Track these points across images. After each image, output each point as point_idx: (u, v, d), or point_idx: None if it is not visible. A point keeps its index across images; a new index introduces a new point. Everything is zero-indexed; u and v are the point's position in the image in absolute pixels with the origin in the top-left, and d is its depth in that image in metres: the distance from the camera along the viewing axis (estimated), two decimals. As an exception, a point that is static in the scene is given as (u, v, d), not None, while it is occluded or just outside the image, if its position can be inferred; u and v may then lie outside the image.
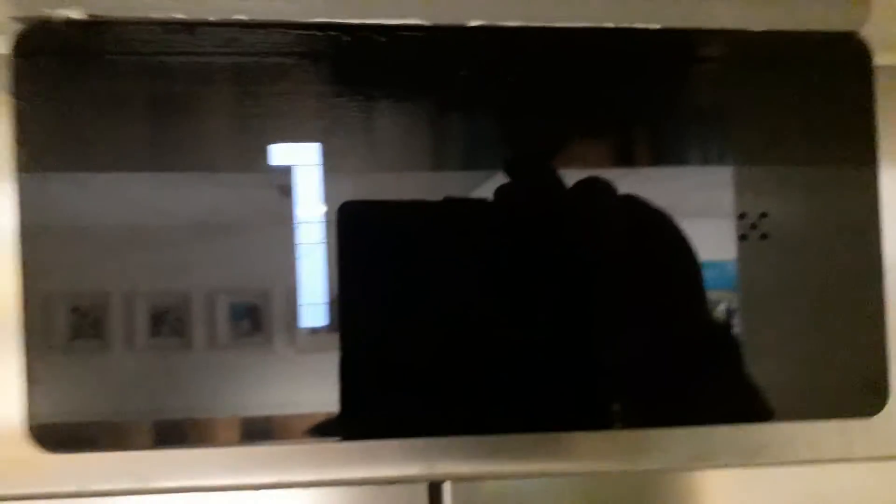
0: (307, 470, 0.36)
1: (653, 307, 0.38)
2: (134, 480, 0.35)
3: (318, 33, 0.36)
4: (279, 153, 0.36)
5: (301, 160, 0.36)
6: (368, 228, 0.37)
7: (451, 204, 0.37)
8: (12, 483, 0.35)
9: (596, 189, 0.38)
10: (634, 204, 0.38)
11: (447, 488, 0.37)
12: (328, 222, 0.36)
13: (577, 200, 0.38)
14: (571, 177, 0.37)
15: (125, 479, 0.35)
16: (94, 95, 0.35)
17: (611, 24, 0.38)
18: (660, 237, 0.38)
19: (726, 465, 0.38)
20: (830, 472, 0.39)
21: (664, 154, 0.39)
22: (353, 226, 0.36)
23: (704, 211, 0.39)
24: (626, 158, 0.39)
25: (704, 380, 0.39)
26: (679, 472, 0.39)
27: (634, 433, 0.38)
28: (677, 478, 0.39)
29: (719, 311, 0.38)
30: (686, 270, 0.38)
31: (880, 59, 0.39)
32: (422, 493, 0.37)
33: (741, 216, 0.38)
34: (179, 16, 0.36)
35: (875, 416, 0.39)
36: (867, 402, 0.39)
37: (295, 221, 0.36)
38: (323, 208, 0.36)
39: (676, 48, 0.39)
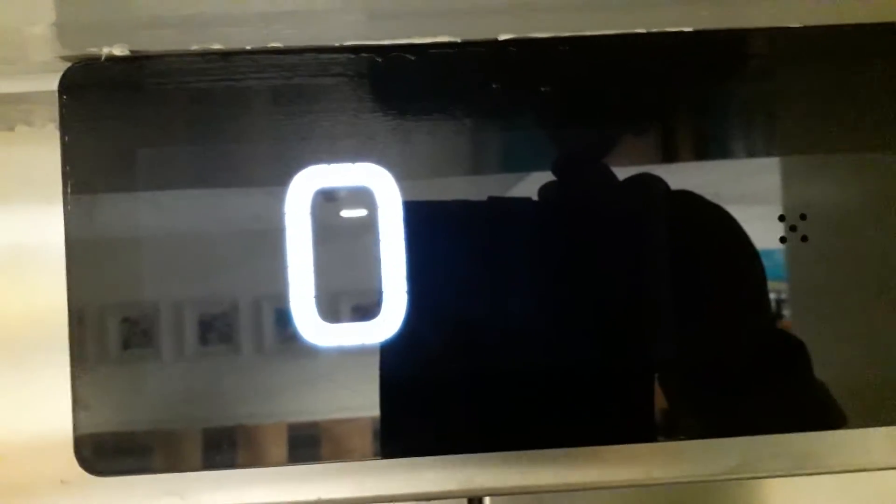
0: (348, 486, 0.36)
1: (711, 309, 0.37)
2: (177, 499, 0.36)
3: (351, 56, 0.37)
4: (319, 168, 0.37)
5: (340, 176, 0.37)
6: (435, 228, 0.37)
7: (494, 203, 0.37)
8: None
9: (648, 185, 0.37)
10: (689, 200, 0.37)
11: (486, 503, 0.37)
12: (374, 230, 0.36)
13: (628, 197, 0.37)
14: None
15: (168, 498, 0.36)
16: (136, 122, 0.36)
17: (642, 30, 0.38)
18: (717, 234, 0.37)
19: (772, 475, 0.37)
20: (879, 480, 0.38)
21: (696, 152, 0.38)
22: (419, 229, 0.36)
23: (742, 209, 0.38)
24: (661, 157, 0.38)
25: (768, 386, 0.37)
26: (723, 482, 0.38)
27: (677, 443, 0.37)
28: (721, 488, 0.38)
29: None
30: (746, 269, 0.37)
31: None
32: (462, 507, 0.37)
33: (781, 217, 0.37)
34: (217, 46, 0.37)
35: (925, 422, 0.37)
36: (916, 408, 0.37)
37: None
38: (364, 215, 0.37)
39: (711, 50, 0.38)
